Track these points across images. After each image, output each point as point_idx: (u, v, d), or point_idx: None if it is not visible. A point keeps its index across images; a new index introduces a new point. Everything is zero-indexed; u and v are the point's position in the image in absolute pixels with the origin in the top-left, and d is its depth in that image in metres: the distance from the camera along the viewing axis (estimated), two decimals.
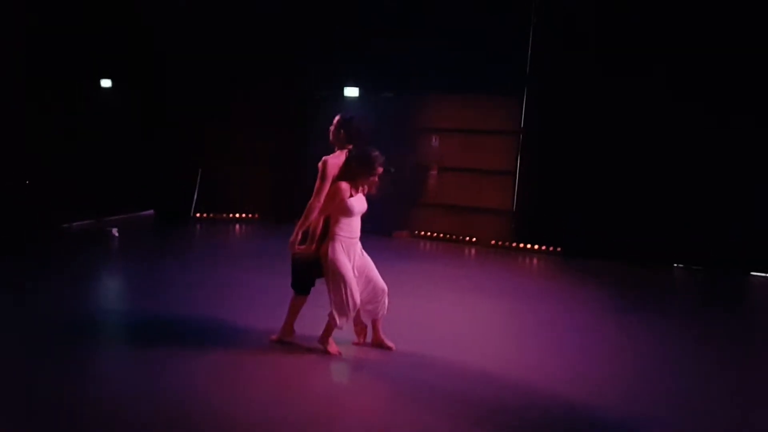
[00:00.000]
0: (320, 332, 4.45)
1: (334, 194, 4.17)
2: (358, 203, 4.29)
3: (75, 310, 5.18)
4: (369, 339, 4.62)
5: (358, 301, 4.27)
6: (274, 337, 4.66)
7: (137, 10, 10.45)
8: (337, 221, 4.23)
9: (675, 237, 9.01)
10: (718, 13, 8.45)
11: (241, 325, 4.99)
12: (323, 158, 4.17)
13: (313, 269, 4.36)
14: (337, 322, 4.26)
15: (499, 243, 9.87)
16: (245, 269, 7.18)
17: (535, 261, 9.26)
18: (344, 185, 4.19)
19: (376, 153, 4.24)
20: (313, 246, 4.23)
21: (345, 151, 4.30)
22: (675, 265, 9.19)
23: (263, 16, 10.17)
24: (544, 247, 9.66)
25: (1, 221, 8.29)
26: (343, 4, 9.93)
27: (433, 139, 10.17)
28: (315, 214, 4.16)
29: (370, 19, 9.82)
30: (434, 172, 10.07)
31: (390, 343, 4.56)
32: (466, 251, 9.63)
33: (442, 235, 10.23)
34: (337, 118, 4.32)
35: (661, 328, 5.86)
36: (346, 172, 4.20)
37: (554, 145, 9.43)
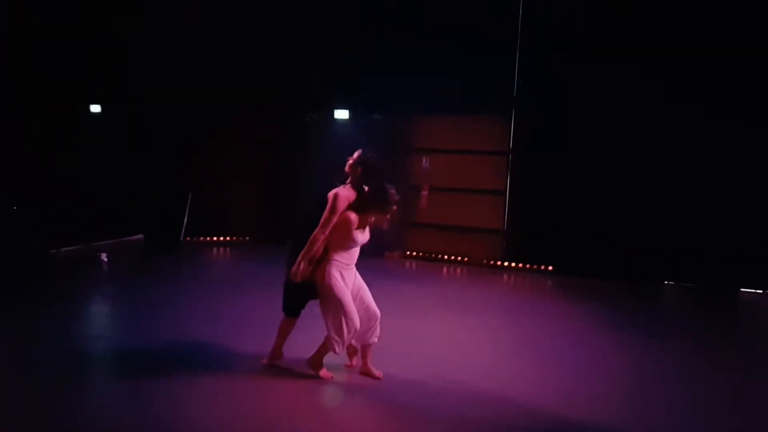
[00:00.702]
0: (310, 355, 4.41)
1: (342, 225, 4.14)
2: (363, 236, 4.27)
3: (65, 337, 5.09)
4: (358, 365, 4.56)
5: (357, 325, 4.22)
6: (264, 360, 4.61)
7: (124, 35, 10.50)
8: (335, 248, 4.20)
9: (665, 254, 9.05)
10: (711, 17, 8.51)
11: (232, 349, 4.93)
12: (335, 191, 4.10)
13: (305, 292, 4.32)
14: (336, 349, 4.19)
15: (491, 262, 9.87)
16: (236, 293, 7.12)
17: (526, 280, 9.26)
18: (354, 218, 4.15)
19: (393, 191, 4.22)
20: (310, 268, 4.19)
21: (354, 190, 4.22)
22: (666, 282, 9.23)
23: (253, 38, 10.25)
24: (535, 266, 9.67)
25: None
26: (333, 29, 10.03)
27: (424, 160, 10.22)
28: (319, 245, 4.12)
29: (361, 42, 9.93)
30: (425, 192, 10.08)
31: (378, 373, 4.47)
32: (458, 271, 9.61)
33: (433, 255, 10.22)
34: (357, 153, 4.26)
35: (654, 345, 5.86)
36: (359, 205, 4.15)
37: (543, 165, 9.50)
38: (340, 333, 4.17)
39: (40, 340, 4.93)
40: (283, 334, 4.57)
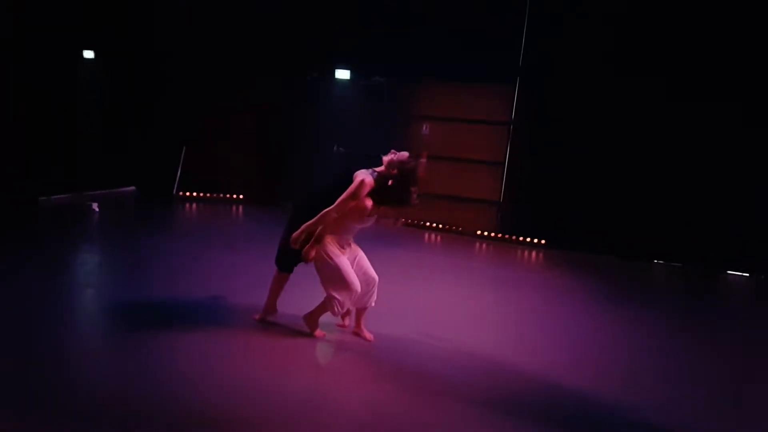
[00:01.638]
0: (304, 312, 4.38)
1: (355, 209, 4.02)
2: (368, 221, 4.19)
3: (57, 289, 5.02)
4: (351, 324, 4.55)
5: (358, 288, 4.17)
6: (256, 316, 4.58)
7: None
8: (338, 226, 4.10)
9: (656, 233, 9.09)
10: (719, 11, 8.44)
11: (224, 304, 4.89)
12: (362, 177, 3.99)
13: (301, 252, 4.25)
14: (335, 310, 4.16)
15: (486, 233, 9.85)
16: (228, 249, 7.06)
17: (519, 252, 9.27)
18: (369, 205, 4.03)
19: (416, 195, 4.07)
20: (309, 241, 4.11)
21: (377, 184, 4.07)
22: (655, 261, 9.29)
23: None
24: (529, 239, 9.67)
25: None
26: None
27: (424, 127, 10.08)
28: (328, 222, 4.01)
29: (367, 3, 9.68)
30: (423, 160, 9.96)
31: (369, 335, 4.47)
32: (452, 240, 9.59)
33: (428, 223, 10.17)
34: (405, 155, 4.10)
35: (648, 319, 5.90)
36: (379, 196, 4.04)
37: (544, 137, 9.41)
38: (340, 295, 4.13)
39: (34, 292, 4.85)
40: (276, 289, 4.54)
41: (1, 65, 9.22)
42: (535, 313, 5.76)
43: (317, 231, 4.06)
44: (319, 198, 4.15)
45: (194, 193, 10.74)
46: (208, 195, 10.79)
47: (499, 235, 9.80)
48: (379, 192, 4.03)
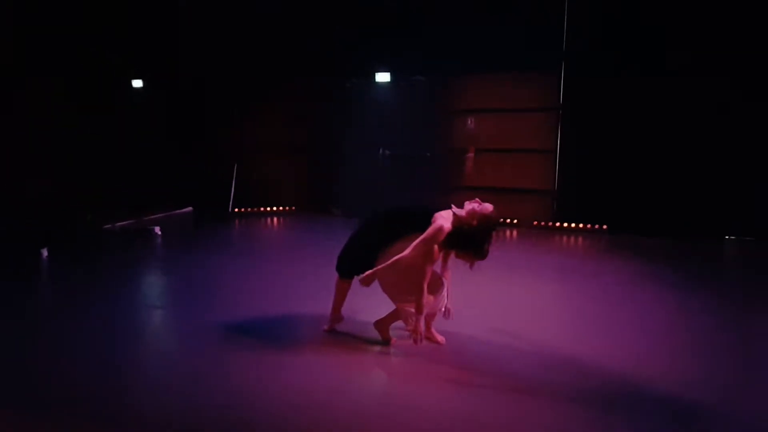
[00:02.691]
0: (373, 317, 4.37)
1: (427, 254, 3.83)
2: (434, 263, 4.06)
3: (135, 309, 5.21)
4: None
5: (430, 299, 4.10)
6: (325, 327, 4.59)
7: (164, 9, 10.51)
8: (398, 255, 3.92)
9: (724, 209, 8.67)
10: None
11: (291, 318, 4.92)
12: (441, 222, 3.78)
13: (367, 264, 4.20)
14: (409, 322, 4.05)
15: (542, 223, 9.64)
16: (288, 261, 7.15)
17: (579, 240, 9.01)
18: (437, 251, 3.86)
19: (489, 247, 3.92)
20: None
21: (453, 225, 3.90)
22: (726, 237, 8.85)
23: (291, 4, 10.10)
24: (588, 226, 9.40)
25: (45, 224, 8.43)
26: None
27: (469, 121, 9.96)
28: (399, 269, 3.86)
29: (400, 2, 9.65)
30: (471, 155, 9.86)
31: (440, 338, 4.36)
32: (508, 233, 9.42)
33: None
34: (489, 207, 3.87)
35: (719, 302, 5.60)
36: (452, 240, 3.85)
37: (594, 121, 9.13)
38: (412, 307, 4.06)
39: (113, 314, 5.04)
40: (340, 297, 4.52)
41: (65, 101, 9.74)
42: (610, 303, 5.55)
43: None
44: (393, 221, 4.09)
45: (248, 209, 10.97)
46: (261, 209, 11.00)
47: (557, 224, 9.56)
48: (453, 238, 3.87)
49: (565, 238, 9.11)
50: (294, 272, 6.46)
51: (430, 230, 3.84)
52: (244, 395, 3.45)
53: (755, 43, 8.20)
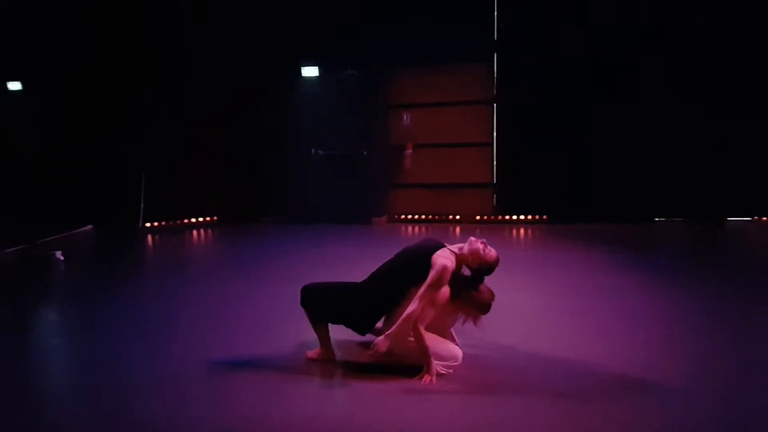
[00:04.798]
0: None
1: (433, 302, 3.38)
2: (455, 314, 3.59)
3: (62, 358, 4.13)
4: None
5: (459, 354, 3.52)
6: (313, 355, 3.82)
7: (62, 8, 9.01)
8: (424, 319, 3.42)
9: (654, 192, 9.03)
10: None
11: (270, 344, 4.14)
12: (443, 263, 3.36)
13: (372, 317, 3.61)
14: (447, 371, 3.48)
15: (484, 217, 9.48)
16: (223, 280, 6.19)
17: (522, 231, 8.94)
18: (446, 299, 3.41)
19: (492, 301, 3.51)
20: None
21: (459, 265, 3.50)
22: (656, 219, 9.24)
23: None
24: (529, 217, 9.38)
25: None
26: None
27: (404, 117, 9.55)
28: (421, 326, 3.35)
29: None
30: (409, 151, 9.47)
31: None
32: (451, 230, 9.14)
33: (423, 216, 9.68)
34: (492, 252, 3.50)
35: (666, 280, 5.64)
36: (457, 297, 3.45)
37: (529, 112, 9.12)
38: (444, 366, 3.48)
39: (23, 359, 3.95)
40: (324, 335, 3.79)
41: None
42: (579, 294, 5.30)
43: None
44: (388, 278, 3.57)
45: (162, 223, 9.74)
46: (178, 222, 9.81)
47: (499, 217, 9.45)
48: (460, 290, 3.46)
49: (507, 230, 9.00)
50: (236, 292, 5.58)
51: (433, 274, 3.36)
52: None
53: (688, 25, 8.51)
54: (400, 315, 3.40)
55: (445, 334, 3.61)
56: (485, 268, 3.53)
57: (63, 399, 3.42)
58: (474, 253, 3.49)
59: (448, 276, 3.38)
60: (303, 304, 3.71)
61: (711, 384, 3.29)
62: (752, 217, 9.01)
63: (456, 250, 3.54)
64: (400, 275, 3.56)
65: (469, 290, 3.49)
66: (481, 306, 3.51)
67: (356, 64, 9.30)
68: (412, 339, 3.45)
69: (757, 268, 6.46)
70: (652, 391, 3.21)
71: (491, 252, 3.52)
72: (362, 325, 3.70)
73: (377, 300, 3.59)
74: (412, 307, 3.35)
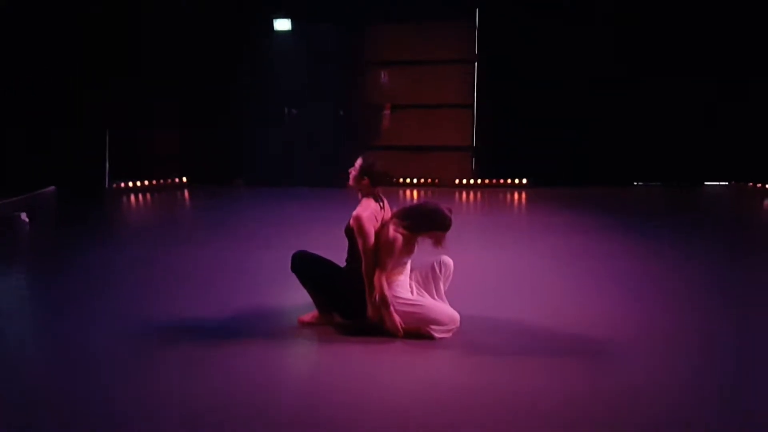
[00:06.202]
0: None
1: (390, 248, 3.31)
2: (410, 252, 3.46)
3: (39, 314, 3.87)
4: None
5: (457, 317, 3.41)
6: (305, 319, 3.69)
7: None
8: (390, 275, 3.36)
9: (633, 157, 9.03)
10: None
11: (267, 307, 3.94)
12: (355, 214, 3.40)
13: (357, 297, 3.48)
14: (446, 334, 3.38)
15: (464, 181, 9.33)
16: (199, 244, 5.95)
17: (502, 195, 8.85)
18: (400, 241, 3.32)
19: (448, 210, 3.39)
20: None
21: (371, 198, 3.47)
22: (635, 183, 9.28)
23: None
24: (509, 180, 9.28)
25: None
26: None
27: (382, 75, 9.23)
28: (378, 276, 3.32)
29: None
30: (387, 112, 9.19)
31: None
32: (430, 194, 8.98)
33: (401, 179, 9.48)
34: (358, 162, 3.49)
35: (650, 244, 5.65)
36: (410, 227, 3.35)
37: (512, 73, 8.90)
38: (442, 330, 3.38)
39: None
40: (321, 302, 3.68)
41: None
42: (563, 258, 5.24)
43: (383, 295, 3.33)
44: (351, 256, 3.51)
45: (130, 183, 9.33)
46: (146, 183, 9.42)
47: (479, 181, 9.33)
48: (408, 221, 3.36)
49: (487, 194, 8.89)
50: (213, 256, 5.36)
51: (355, 230, 3.37)
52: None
53: None
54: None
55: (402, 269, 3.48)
56: (371, 173, 3.45)
57: (19, 364, 3.18)
58: (354, 180, 3.48)
59: (365, 223, 3.35)
60: (293, 269, 3.59)
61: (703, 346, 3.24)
62: (729, 182, 9.09)
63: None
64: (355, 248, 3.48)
65: (420, 217, 3.40)
66: (440, 223, 3.40)
67: (332, 18, 8.87)
68: (400, 302, 3.36)
69: (735, 230, 6.54)
70: (642, 352, 3.15)
71: (356, 162, 3.49)
72: (347, 309, 3.58)
73: (353, 281, 3.50)
74: (365, 267, 3.36)
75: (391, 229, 3.34)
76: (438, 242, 3.45)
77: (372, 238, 3.37)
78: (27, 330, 3.78)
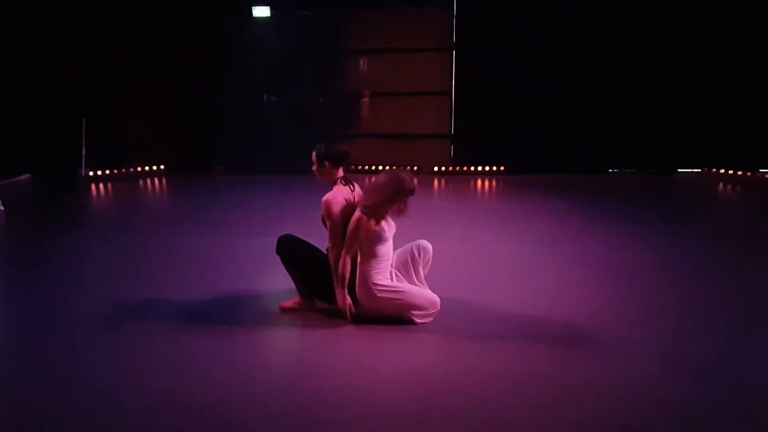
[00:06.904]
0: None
1: (357, 229, 3.34)
2: (389, 229, 3.48)
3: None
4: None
5: (437, 300, 3.46)
6: (287, 304, 3.75)
7: None
8: (367, 257, 3.40)
9: (608, 144, 9.21)
10: None
11: (248, 293, 3.98)
12: (325, 199, 3.46)
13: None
14: (428, 319, 3.43)
15: (442, 168, 9.43)
16: (180, 232, 5.94)
17: (480, 182, 8.97)
18: (366, 221, 3.34)
19: (407, 175, 3.42)
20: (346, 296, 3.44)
21: (340, 182, 3.52)
22: (610, 170, 9.47)
23: None
24: (487, 168, 9.40)
25: None
26: None
27: (361, 63, 9.23)
28: (345, 264, 3.38)
29: None
30: (366, 100, 9.21)
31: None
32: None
33: (380, 167, 9.51)
34: (313, 154, 3.56)
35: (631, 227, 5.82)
36: (373, 206, 3.36)
37: (489, 61, 8.98)
38: (423, 315, 3.43)
39: None
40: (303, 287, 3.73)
41: None
42: (545, 244, 5.37)
43: (344, 278, 3.39)
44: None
45: (106, 171, 9.22)
46: (123, 171, 9.32)
47: (457, 168, 9.43)
48: (371, 200, 3.39)
49: (465, 181, 8.99)
50: (194, 243, 5.37)
51: (324, 217, 3.45)
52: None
53: None
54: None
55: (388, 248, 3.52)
56: (329, 155, 3.52)
57: None
58: (317, 171, 3.55)
59: (334, 207, 3.41)
60: (278, 251, 3.63)
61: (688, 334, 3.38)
62: (701, 169, 9.33)
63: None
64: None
65: (378, 189, 3.40)
66: (402, 191, 3.40)
67: (311, 5, 8.83)
68: (380, 289, 3.41)
69: (706, 216, 6.75)
70: (622, 336, 3.25)
71: (313, 155, 3.56)
72: (328, 293, 3.62)
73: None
74: (330, 251, 3.44)
75: (358, 210, 3.37)
76: (401, 211, 3.45)
77: (339, 221, 3.40)
78: (2, 316, 3.77)
